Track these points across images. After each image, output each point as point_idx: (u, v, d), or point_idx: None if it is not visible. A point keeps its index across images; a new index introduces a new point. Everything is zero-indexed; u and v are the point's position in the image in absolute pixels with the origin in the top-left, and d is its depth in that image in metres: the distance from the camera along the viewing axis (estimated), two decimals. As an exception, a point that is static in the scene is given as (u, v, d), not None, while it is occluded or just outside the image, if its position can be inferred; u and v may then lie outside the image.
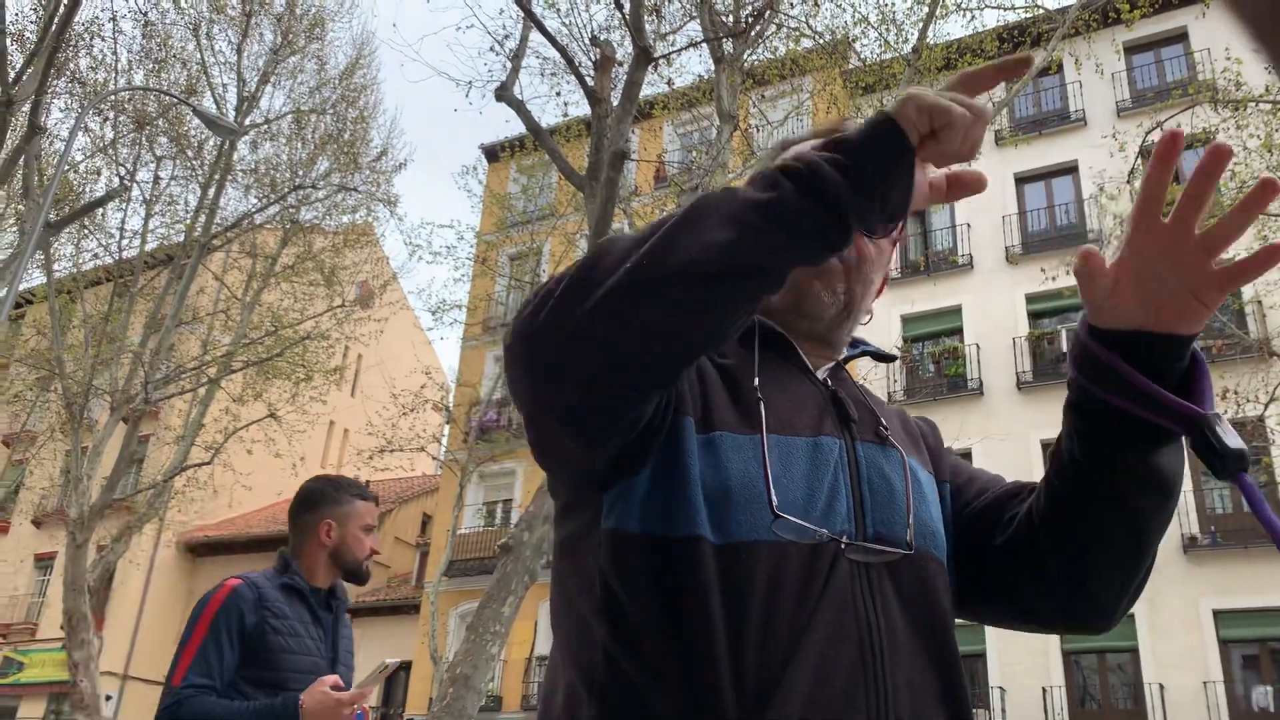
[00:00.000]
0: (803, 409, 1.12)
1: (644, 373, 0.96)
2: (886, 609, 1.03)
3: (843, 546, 1.03)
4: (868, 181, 0.89)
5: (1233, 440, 0.93)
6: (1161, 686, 16.45)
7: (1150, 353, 0.97)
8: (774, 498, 1.00)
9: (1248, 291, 17.98)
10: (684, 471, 1.02)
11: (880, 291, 1.29)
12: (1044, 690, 17.18)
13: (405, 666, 23.68)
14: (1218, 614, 16.63)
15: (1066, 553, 1.11)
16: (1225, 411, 14.23)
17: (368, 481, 29.46)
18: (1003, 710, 17.37)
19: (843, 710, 0.96)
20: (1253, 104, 12.34)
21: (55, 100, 14.84)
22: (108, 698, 22.72)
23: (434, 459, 22.60)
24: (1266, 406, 13.14)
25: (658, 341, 0.93)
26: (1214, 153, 0.88)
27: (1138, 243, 0.96)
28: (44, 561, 28.03)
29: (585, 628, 1.03)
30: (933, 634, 1.07)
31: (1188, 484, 17.42)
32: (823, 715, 0.95)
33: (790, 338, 1.19)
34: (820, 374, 1.20)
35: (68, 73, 14.88)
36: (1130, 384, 0.96)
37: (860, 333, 1.34)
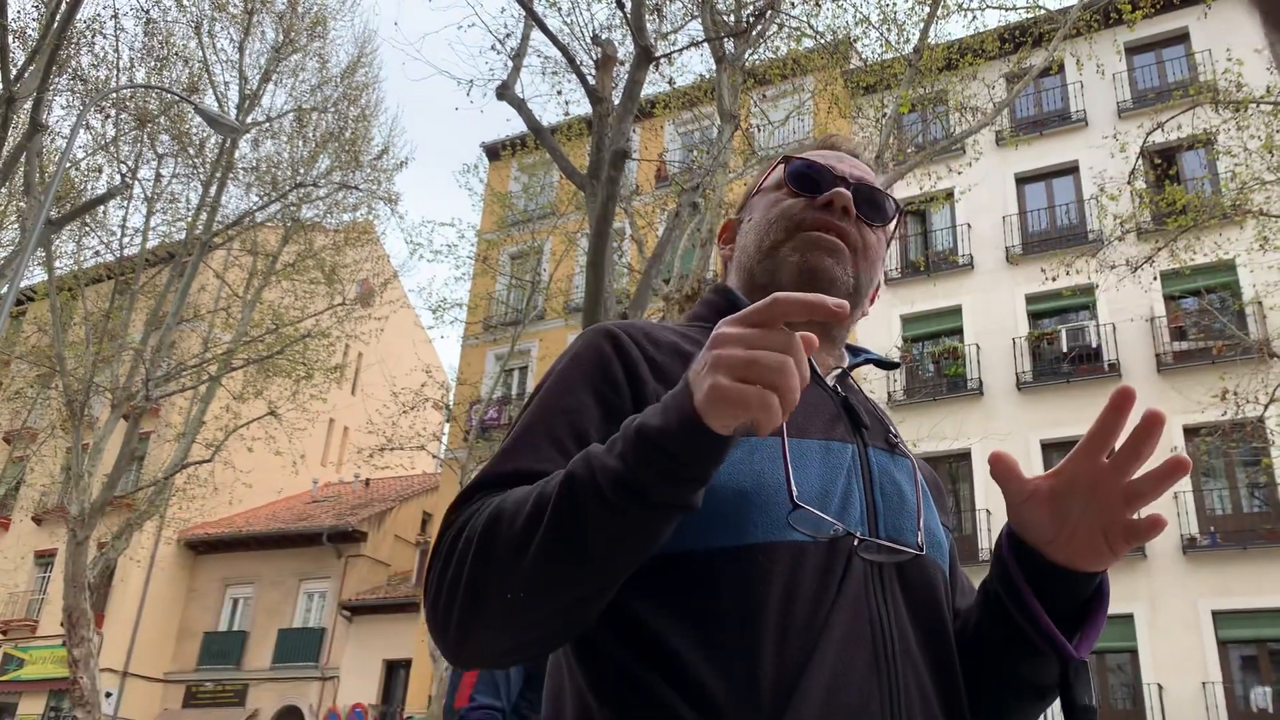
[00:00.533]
0: (815, 413, 1.13)
1: (565, 636, 1.01)
2: (897, 611, 1.05)
3: (856, 543, 1.04)
4: (695, 473, 0.89)
5: (1085, 697, 1.03)
6: (1160, 687, 16.46)
7: (1055, 577, 1.06)
8: (794, 489, 1.00)
9: (1248, 292, 17.98)
10: None
11: (875, 296, 1.32)
12: (1043, 690, 17.19)
13: (405, 664, 23.72)
14: (1217, 615, 16.64)
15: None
16: (1225, 413, 14.24)
17: (367, 480, 29.57)
18: (1002, 710, 17.38)
19: (858, 714, 0.96)
20: (1254, 105, 12.34)
21: (57, 97, 14.86)
22: (107, 694, 22.74)
23: (434, 457, 22.60)
24: (1266, 407, 13.14)
25: (562, 630, 0.98)
26: (1149, 420, 0.97)
27: (1072, 469, 1.02)
28: (44, 558, 28.05)
29: (592, 636, 1.03)
30: (936, 638, 1.09)
31: (1187, 485, 17.41)
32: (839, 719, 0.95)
33: None
34: (829, 380, 1.21)
35: (69, 70, 14.90)
36: (1028, 608, 1.05)
37: (861, 335, 1.36)
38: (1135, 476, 1.00)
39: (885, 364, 1.33)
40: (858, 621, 1.00)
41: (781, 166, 1.30)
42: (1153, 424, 0.96)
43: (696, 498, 0.91)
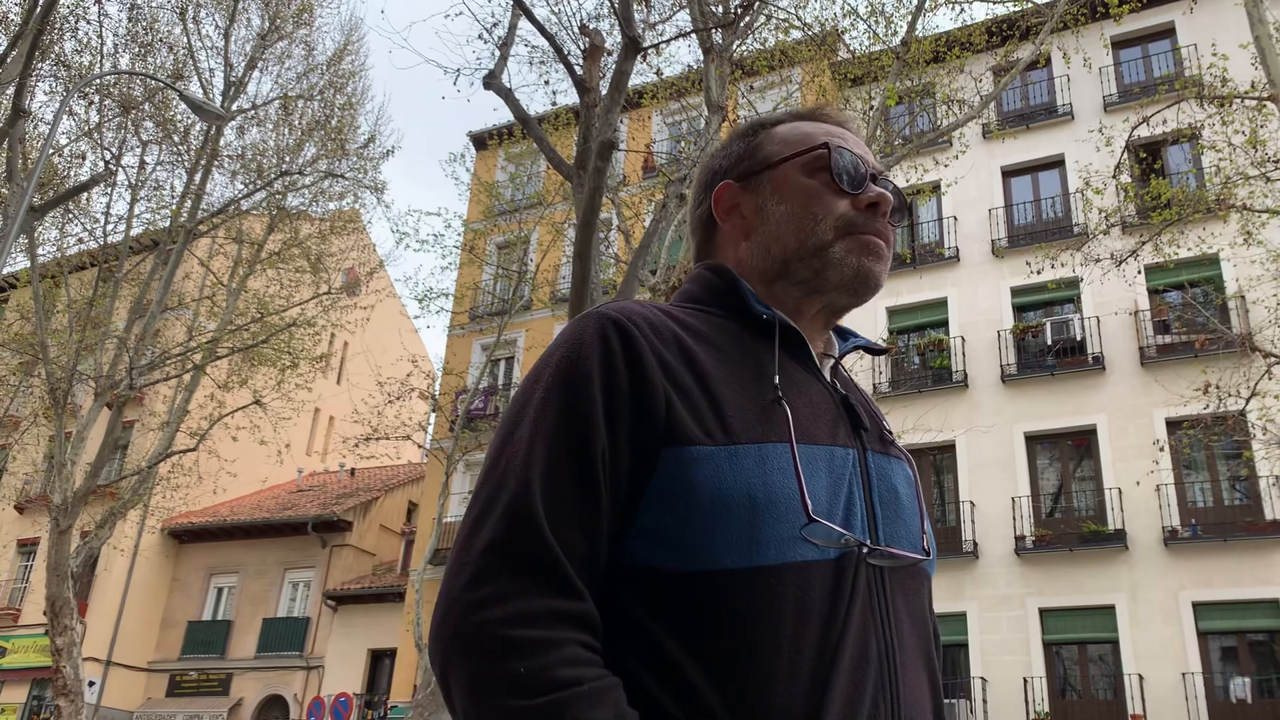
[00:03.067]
0: (820, 415, 1.11)
1: None
2: (897, 622, 1.05)
3: (864, 552, 1.03)
4: None
5: None
6: (1141, 677, 16.59)
7: None
8: (809, 502, 0.99)
9: (1231, 286, 18.10)
10: (691, 503, 1.00)
11: None
12: (1025, 680, 17.31)
13: (390, 654, 23.72)
14: (1197, 606, 16.77)
15: None
16: (1207, 406, 14.32)
17: (353, 470, 29.50)
18: (984, 700, 17.50)
19: None
20: (1238, 100, 12.40)
21: (40, 83, 14.75)
22: (90, 683, 22.66)
23: (420, 447, 22.60)
24: (1248, 401, 13.23)
25: None
26: None
27: None
28: (27, 547, 27.92)
29: (618, 653, 0.99)
30: (926, 644, 1.11)
31: (1169, 478, 17.54)
32: None
33: (801, 329, 1.18)
34: (825, 374, 1.19)
35: (52, 56, 14.77)
36: None
37: (846, 323, 1.35)
38: None
39: (874, 349, 1.31)
40: (867, 640, 1.00)
41: (824, 151, 1.21)
42: None
43: None
